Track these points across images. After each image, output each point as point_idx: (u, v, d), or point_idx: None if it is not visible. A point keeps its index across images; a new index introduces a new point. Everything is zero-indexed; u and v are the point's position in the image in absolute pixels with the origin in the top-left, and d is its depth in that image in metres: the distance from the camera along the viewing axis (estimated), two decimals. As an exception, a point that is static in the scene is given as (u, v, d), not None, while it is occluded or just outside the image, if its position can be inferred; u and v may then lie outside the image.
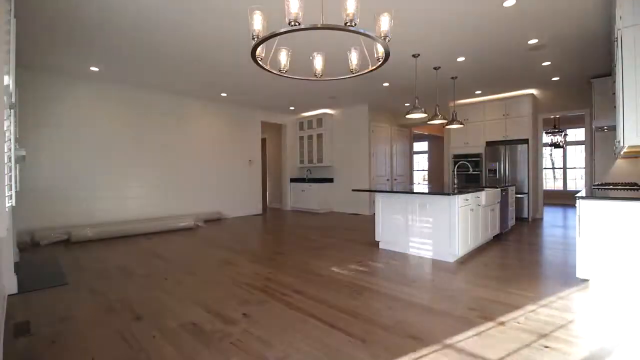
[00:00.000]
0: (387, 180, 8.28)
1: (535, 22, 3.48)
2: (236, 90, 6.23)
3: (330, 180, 8.32)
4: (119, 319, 2.25)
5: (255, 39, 1.93)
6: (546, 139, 8.94)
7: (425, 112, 4.51)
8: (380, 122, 8.04)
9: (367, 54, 2.50)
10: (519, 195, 6.29)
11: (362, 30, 1.81)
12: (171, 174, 6.40)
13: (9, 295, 2.67)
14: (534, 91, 6.38)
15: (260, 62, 2.23)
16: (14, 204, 1.55)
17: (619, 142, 2.77)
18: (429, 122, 5.13)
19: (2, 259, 2.63)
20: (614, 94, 3.51)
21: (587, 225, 2.70)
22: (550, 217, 6.93)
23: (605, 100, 5.12)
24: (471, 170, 6.18)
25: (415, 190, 3.94)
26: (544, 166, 7.70)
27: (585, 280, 2.86)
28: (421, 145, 12.37)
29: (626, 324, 2.09)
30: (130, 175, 5.83)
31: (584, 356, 1.73)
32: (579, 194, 2.80)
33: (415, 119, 5.86)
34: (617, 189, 3.43)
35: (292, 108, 8.04)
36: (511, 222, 5.35)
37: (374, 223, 5.43)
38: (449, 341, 1.91)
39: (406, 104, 7.58)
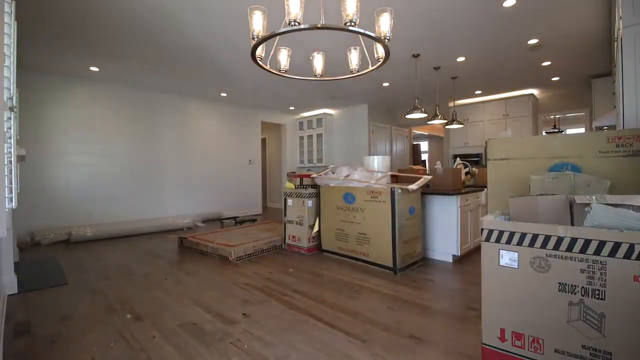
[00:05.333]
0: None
1: (535, 22, 3.48)
2: (236, 90, 6.23)
3: (330, 180, 8.32)
4: (119, 319, 2.26)
5: (255, 39, 1.93)
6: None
7: (425, 112, 4.52)
8: (380, 122, 8.04)
9: (367, 54, 2.50)
10: (519, 195, 6.28)
11: (362, 30, 1.81)
12: (171, 173, 6.40)
13: (9, 295, 2.67)
14: (534, 91, 6.38)
15: (260, 62, 2.24)
16: (14, 206, 1.54)
17: (619, 142, 2.76)
18: (429, 122, 5.14)
19: (2, 259, 2.64)
20: (614, 94, 3.51)
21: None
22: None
23: (605, 100, 5.11)
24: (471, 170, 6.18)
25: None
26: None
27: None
28: (421, 145, 12.36)
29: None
30: (130, 175, 5.83)
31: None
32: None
33: (415, 119, 5.86)
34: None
35: (292, 108, 8.04)
36: (511, 222, 5.34)
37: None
38: (448, 341, 1.91)
39: (406, 104, 7.57)
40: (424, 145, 12.30)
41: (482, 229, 1.52)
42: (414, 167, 4.12)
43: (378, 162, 3.82)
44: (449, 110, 6.96)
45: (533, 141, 1.94)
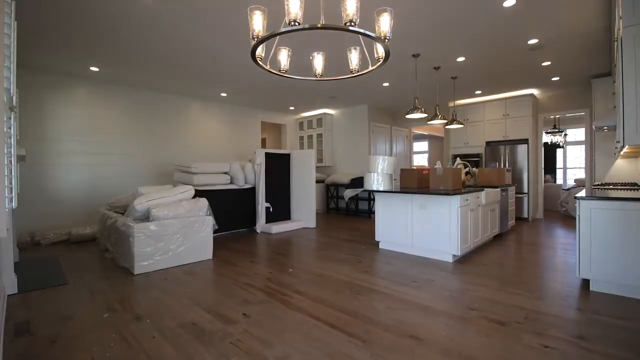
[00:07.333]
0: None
1: (535, 22, 3.48)
2: (236, 90, 6.23)
3: (330, 180, 8.32)
4: (119, 319, 2.26)
5: (255, 39, 1.93)
6: (546, 139, 8.94)
7: (425, 112, 4.51)
8: (380, 122, 8.03)
9: (367, 54, 2.50)
10: (519, 195, 6.29)
11: (362, 30, 1.81)
12: (171, 173, 6.40)
13: (9, 295, 2.67)
14: (534, 91, 6.38)
15: (260, 62, 2.23)
16: (14, 206, 1.54)
17: (619, 142, 2.77)
18: (428, 122, 5.14)
19: (2, 259, 2.64)
20: (614, 94, 3.51)
21: (587, 225, 2.70)
22: (551, 217, 6.93)
23: (605, 100, 5.12)
24: (471, 170, 6.18)
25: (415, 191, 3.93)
26: (543, 166, 7.70)
27: (586, 280, 2.86)
28: (421, 145, 12.37)
29: (625, 325, 2.09)
30: (130, 175, 5.83)
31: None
32: (578, 194, 2.80)
33: (415, 119, 5.86)
34: (617, 189, 3.43)
35: (292, 108, 8.04)
36: (511, 222, 5.34)
37: (374, 223, 5.43)
38: (448, 341, 1.91)
39: (406, 104, 7.58)
40: (424, 145, 12.30)
41: None
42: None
43: (382, 163, 3.80)
44: (449, 110, 6.97)
45: None
